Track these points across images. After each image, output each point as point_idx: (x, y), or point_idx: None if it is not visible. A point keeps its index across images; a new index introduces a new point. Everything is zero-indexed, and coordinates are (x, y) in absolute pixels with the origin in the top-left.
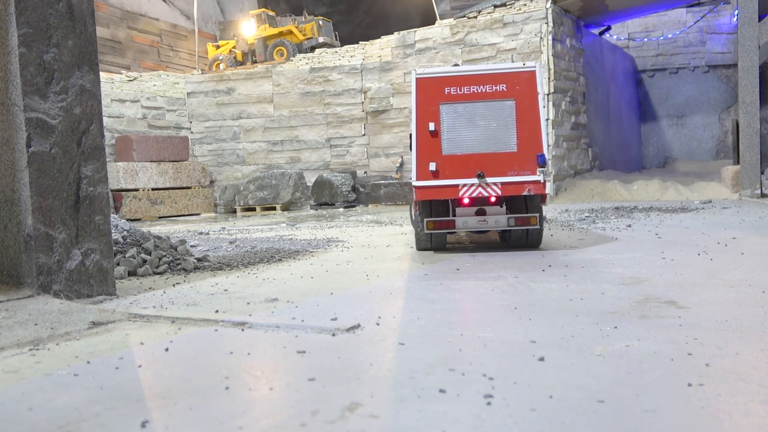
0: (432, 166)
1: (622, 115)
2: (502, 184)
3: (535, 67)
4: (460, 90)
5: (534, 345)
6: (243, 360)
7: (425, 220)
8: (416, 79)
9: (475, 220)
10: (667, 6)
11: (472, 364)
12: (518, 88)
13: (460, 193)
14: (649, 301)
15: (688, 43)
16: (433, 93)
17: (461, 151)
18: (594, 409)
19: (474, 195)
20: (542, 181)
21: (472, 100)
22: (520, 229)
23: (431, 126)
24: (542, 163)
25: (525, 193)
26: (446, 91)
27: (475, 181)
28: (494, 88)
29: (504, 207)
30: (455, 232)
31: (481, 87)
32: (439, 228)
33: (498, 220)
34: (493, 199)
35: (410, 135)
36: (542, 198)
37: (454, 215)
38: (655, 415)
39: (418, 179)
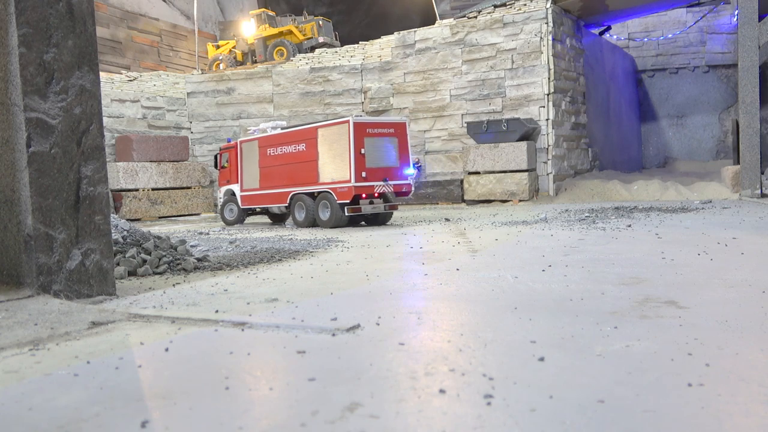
0: (363, 174)
1: (622, 115)
2: (394, 185)
3: (406, 120)
4: (374, 130)
5: (534, 345)
6: (243, 360)
7: (346, 207)
8: (354, 123)
9: (369, 207)
10: (667, 6)
11: (472, 364)
12: (398, 131)
13: (375, 190)
14: (649, 301)
15: (688, 43)
16: (361, 131)
17: (375, 165)
18: (594, 409)
19: (382, 191)
20: (410, 183)
21: (379, 136)
22: (387, 213)
23: (362, 150)
24: (412, 174)
25: (403, 189)
26: (367, 130)
27: (382, 183)
28: (388, 130)
29: (381, 199)
30: (356, 214)
31: (383, 129)
32: (353, 212)
33: (379, 206)
34: (375, 195)
35: (214, 156)
36: (408, 193)
37: (356, 203)
38: (655, 415)
39: (356, 181)
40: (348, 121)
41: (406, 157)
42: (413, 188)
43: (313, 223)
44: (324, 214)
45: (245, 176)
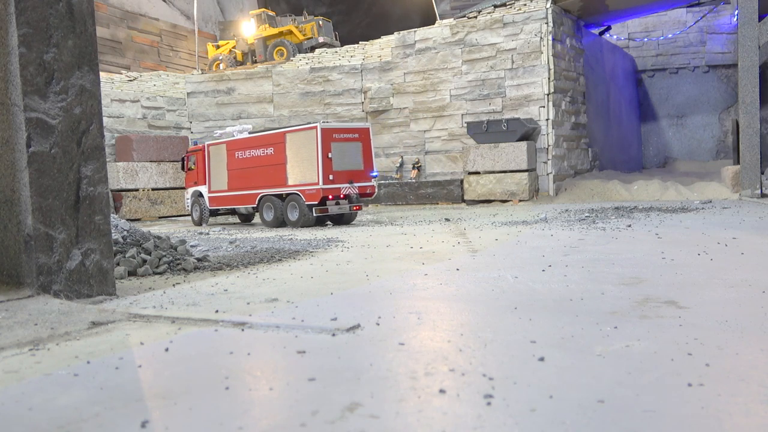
0: (331, 177)
1: (622, 115)
2: (359, 186)
3: (369, 125)
4: (340, 135)
5: (534, 345)
6: (243, 360)
7: (314, 207)
8: (321, 129)
9: (336, 207)
10: (667, 6)
11: (472, 364)
12: (362, 136)
13: (342, 192)
14: (649, 301)
15: (688, 43)
16: (328, 136)
17: (341, 168)
18: (594, 409)
19: (347, 193)
20: (374, 185)
21: (344, 141)
22: (351, 213)
23: (329, 154)
24: (375, 176)
25: (367, 191)
26: (334, 136)
27: (348, 185)
28: (353, 135)
29: (346, 200)
30: (325, 214)
31: (348, 134)
32: (321, 212)
33: (345, 207)
34: (341, 196)
35: (181, 158)
36: (372, 194)
37: (323, 204)
38: (655, 415)
39: (324, 183)
40: (315, 127)
41: (369, 161)
42: (376, 190)
43: (281, 223)
44: (292, 215)
45: (213, 178)
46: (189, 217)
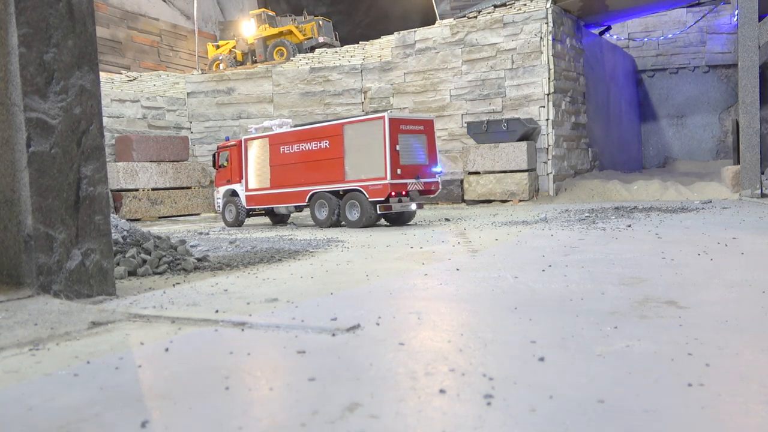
0: (399, 171)
1: (622, 115)
2: (424, 182)
3: (433, 117)
4: (407, 127)
5: (534, 345)
6: (243, 360)
7: (378, 205)
8: (389, 119)
9: (398, 205)
10: (667, 6)
11: (472, 364)
12: (427, 128)
13: (408, 187)
14: (649, 301)
15: (688, 43)
16: (396, 128)
17: (408, 162)
18: (594, 409)
19: (414, 189)
20: (438, 181)
21: (411, 133)
22: (412, 211)
23: (397, 147)
24: (440, 173)
25: (432, 188)
26: (401, 127)
27: (414, 180)
28: (419, 127)
29: (408, 197)
30: (388, 214)
31: (415, 126)
32: (385, 210)
33: (408, 205)
34: (404, 192)
35: (212, 155)
36: (435, 192)
37: (387, 201)
38: (655, 415)
39: (392, 178)
40: (383, 117)
41: (434, 155)
42: (440, 187)
43: (336, 222)
44: (352, 214)
45: (251, 175)
46: (189, 217)
